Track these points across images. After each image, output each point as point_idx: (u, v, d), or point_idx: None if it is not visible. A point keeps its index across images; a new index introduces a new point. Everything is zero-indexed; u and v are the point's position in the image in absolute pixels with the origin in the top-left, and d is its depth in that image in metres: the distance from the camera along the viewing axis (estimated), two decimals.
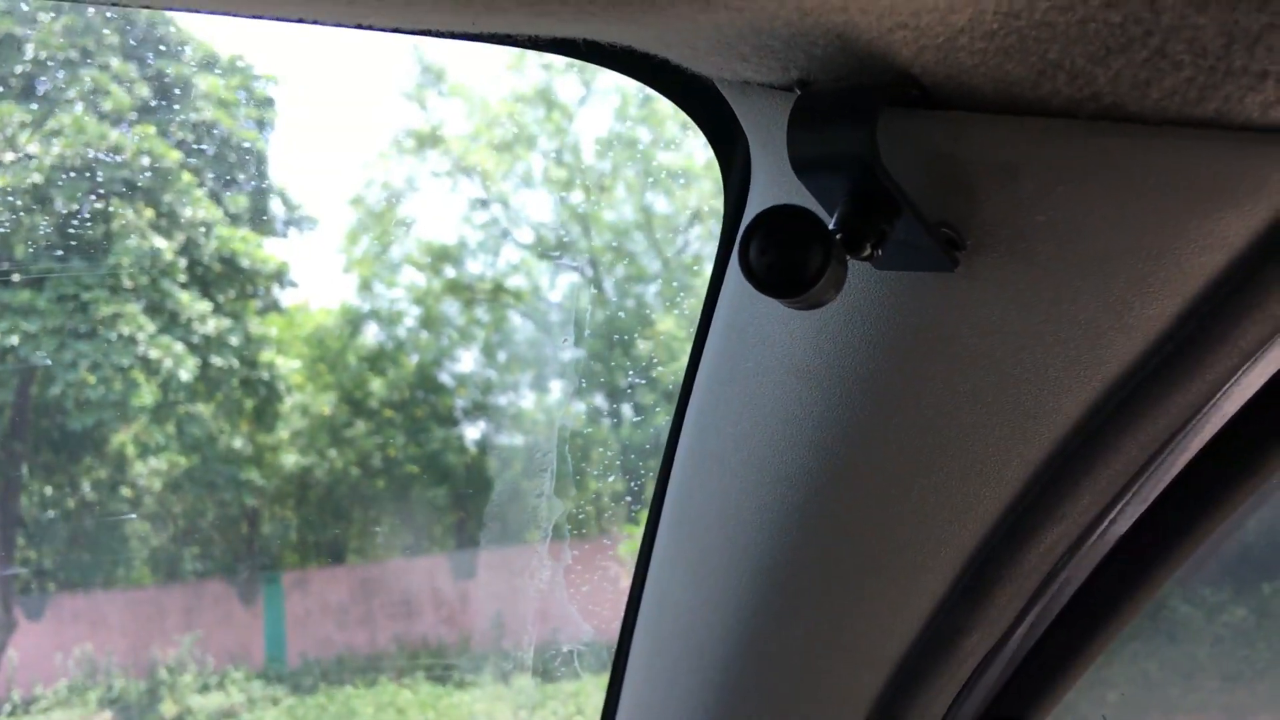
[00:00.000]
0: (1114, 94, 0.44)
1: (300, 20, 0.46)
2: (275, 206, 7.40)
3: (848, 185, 0.48)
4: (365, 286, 8.22)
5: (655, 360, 8.16)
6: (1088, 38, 0.43)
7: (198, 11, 0.45)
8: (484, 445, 8.66)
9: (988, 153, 0.48)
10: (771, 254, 0.46)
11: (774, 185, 0.61)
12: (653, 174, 8.57)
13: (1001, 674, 0.70)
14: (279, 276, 7.31)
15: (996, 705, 0.70)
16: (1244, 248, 0.47)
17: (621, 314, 8.38)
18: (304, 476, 7.97)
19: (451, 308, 8.31)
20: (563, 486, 8.65)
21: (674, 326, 8.17)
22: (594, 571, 7.75)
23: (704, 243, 8.69)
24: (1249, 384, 0.53)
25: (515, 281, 8.45)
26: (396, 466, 8.32)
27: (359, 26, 0.45)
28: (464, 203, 8.47)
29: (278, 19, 0.46)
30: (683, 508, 0.78)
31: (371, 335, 8.38)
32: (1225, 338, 0.49)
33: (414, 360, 8.30)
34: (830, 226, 0.48)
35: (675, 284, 8.45)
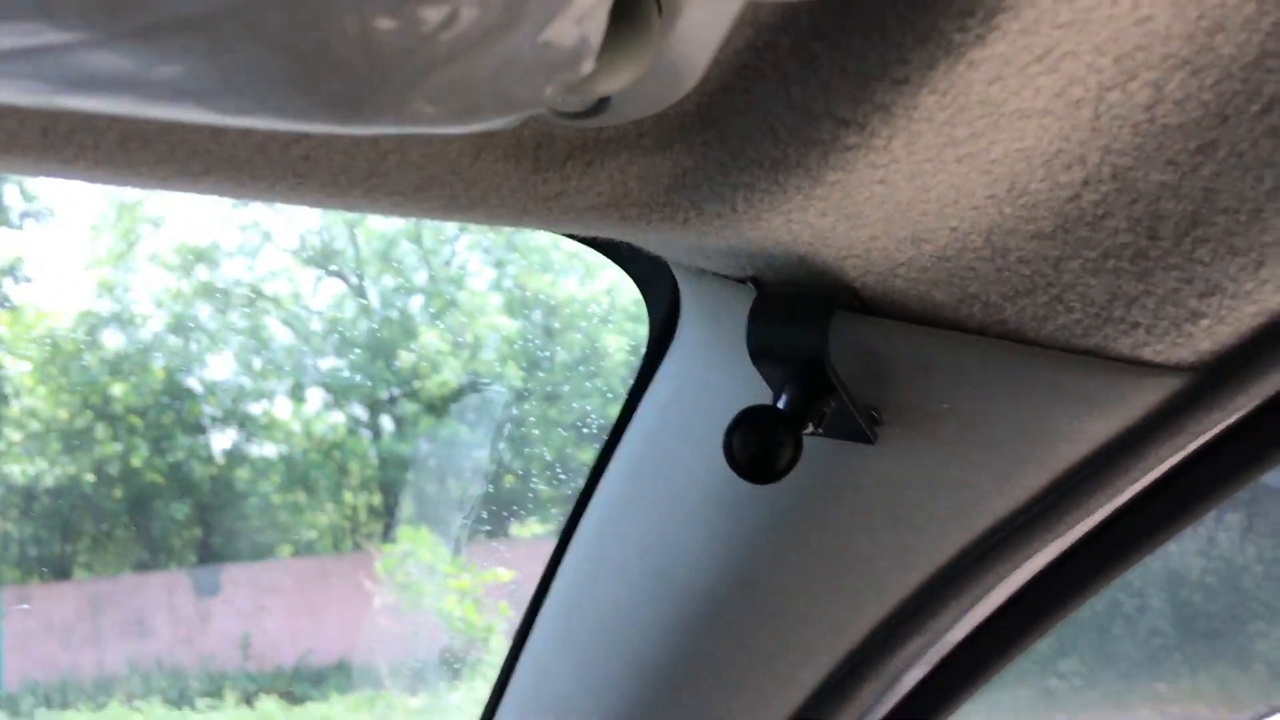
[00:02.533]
0: (1018, 323, 0.56)
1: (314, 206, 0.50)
2: (10, 197, 6.86)
3: (797, 373, 0.58)
4: (108, 286, 7.74)
5: (418, 373, 8.08)
6: (1002, 281, 0.54)
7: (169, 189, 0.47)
8: (234, 455, 8.32)
9: (910, 354, 0.59)
10: (754, 446, 0.55)
11: (701, 347, 0.71)
12: None
13: None
14: (12, 271, 6.78)
15: None
16: (1103, 442, 0.59)
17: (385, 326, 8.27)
18: (30, 485, 7.41)
19: (203, 311, 7.95)
20: (319, 500, 8.42)
21: (438, 340, 8.13)
22: (349, 589, 7.58)
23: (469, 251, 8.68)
24: (1084, 529, 0.67)
25: (275, 287, 8.18)
26: (136, 476, 7.87)
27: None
28: (223, 203, 8.11)
29: (316, 206, 0.49)
30: (572, 602, 0.86)
31: (114, 337, 7.90)
32: (1079, 505, 0.62)
33: (161, 365, 7.88)
34: (780, 405, 0.58)
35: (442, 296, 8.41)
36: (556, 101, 0.37)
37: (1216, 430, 0.58)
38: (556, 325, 7.89)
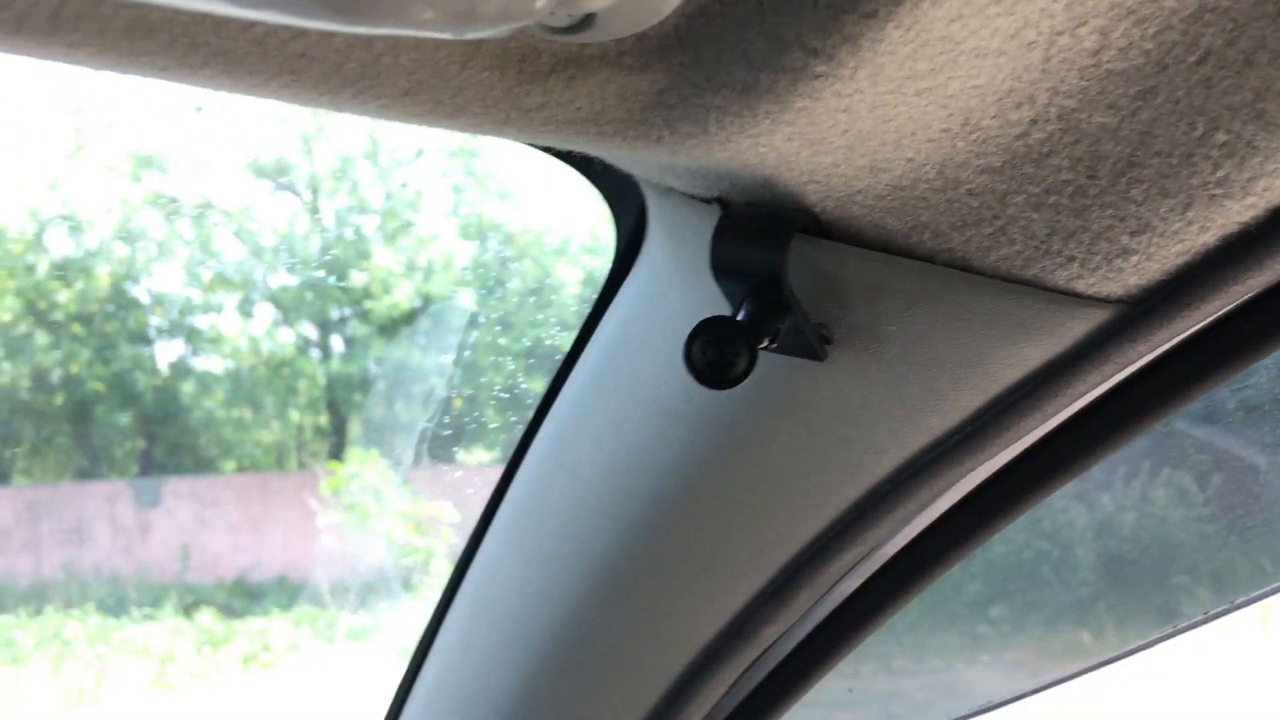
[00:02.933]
0: (964, 252, 0.59)
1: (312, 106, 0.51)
2: None
3: (756, 290, 0.61)
4: (55, 188, 7.58)
5: (370, 294, 8.03)
6: (952, 211, 0.57)
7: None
8: (179, 368, 8.25)
9: (862, 277, 0.62)
10: (712, 354, 0.59)
11: (666, 263, 0.74)
12: None
13: (783, 652, 0.86)
14: None
15: (776, 676, 0.86)
16: (1037, 368, 0.63)
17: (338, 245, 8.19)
18: None
19: (153, 220, 7.82)
20: (264, 417, 8.39)
21: (391, 261, 8.07)
22: (294, 507, 7.59)
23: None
24: (1015, 451, 0.70)
25: (227, 199, 8.05)
26: (78, 384, 7.78)
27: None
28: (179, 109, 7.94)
29: (309, 104, 0.50)
30: (526, 507, 0.89)
31: (60, 243, 7.75)
32: (1011, 427, 0.65)
33: (106, 272, 7.76)
34: (738, 319, 0.61)
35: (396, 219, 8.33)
36: (545, 15, 0.39)
37: (1141, 362, 0.62)
38: (512, 253, 7.87)
